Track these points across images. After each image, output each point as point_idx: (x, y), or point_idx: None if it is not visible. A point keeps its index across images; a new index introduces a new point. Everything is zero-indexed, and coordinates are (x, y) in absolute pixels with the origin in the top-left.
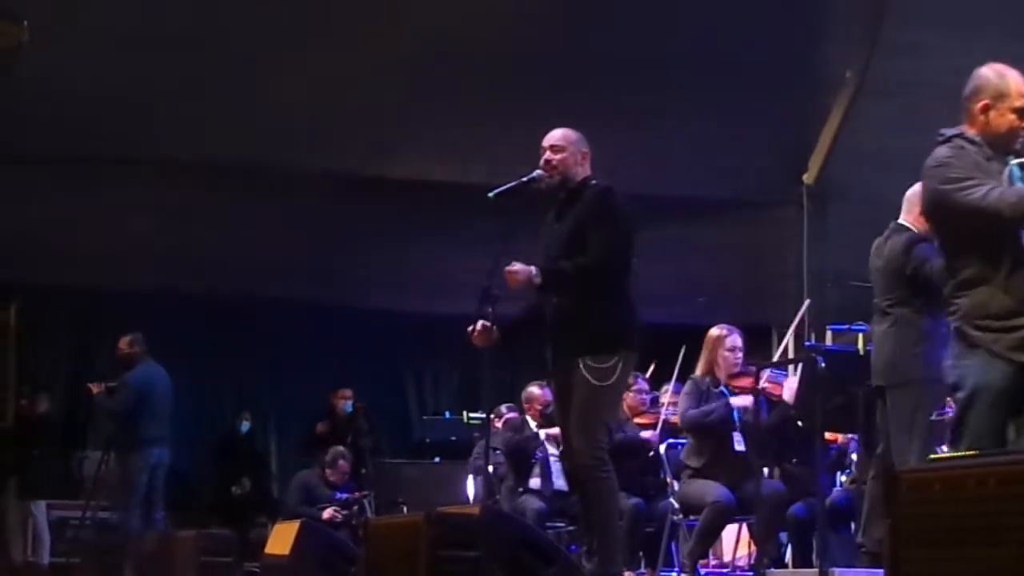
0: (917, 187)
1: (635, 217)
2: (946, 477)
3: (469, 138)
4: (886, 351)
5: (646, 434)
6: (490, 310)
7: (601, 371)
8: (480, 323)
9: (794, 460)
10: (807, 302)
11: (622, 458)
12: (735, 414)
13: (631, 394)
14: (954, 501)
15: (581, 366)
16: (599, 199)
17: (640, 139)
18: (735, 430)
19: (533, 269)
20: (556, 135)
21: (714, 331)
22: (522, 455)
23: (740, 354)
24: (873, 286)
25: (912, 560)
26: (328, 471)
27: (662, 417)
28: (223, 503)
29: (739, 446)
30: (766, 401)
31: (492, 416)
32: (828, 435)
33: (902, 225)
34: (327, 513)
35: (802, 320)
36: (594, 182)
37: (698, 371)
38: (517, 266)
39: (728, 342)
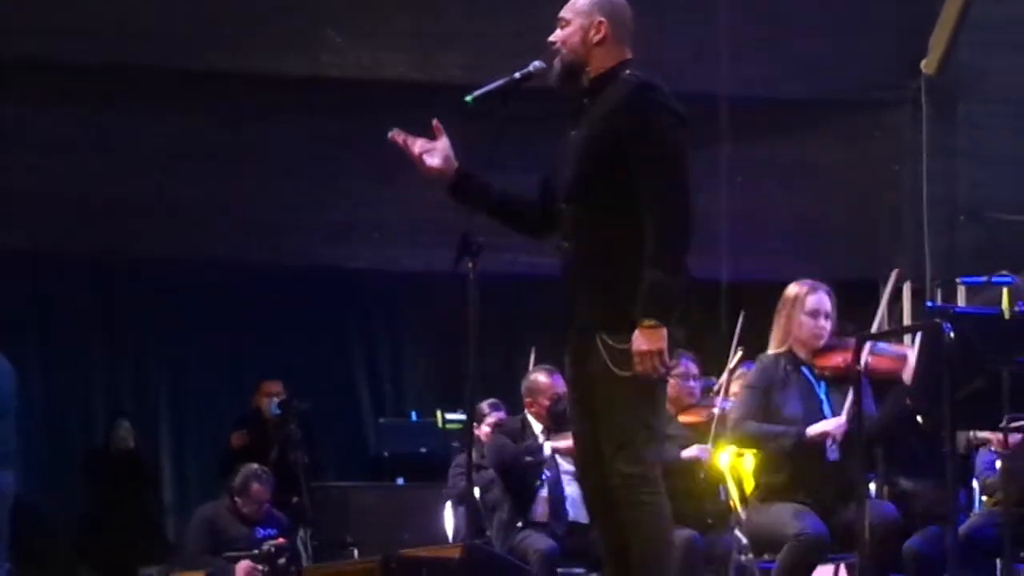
0: None
1: (690, 127)
2: None
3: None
4: None
5: (690, 452)
6: (471, 265)
7: (623, 354)
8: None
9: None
10: (895, 272)
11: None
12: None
13: (673, 381)
14: None
15: (599, 344)
16: (632, 97)
17: (688, 24)
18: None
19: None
20: (570, 3)
21: (791, 289)
22: (521, 473)
23: (826, 321)
24: None
25: None
26: (239, 500)
27: (716, 412)
28: (95, 544)
29: (833, 454)
30: (871, 386)
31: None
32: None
33: None
34: (242, 568)
35: (898, 286)
36: (628, 72)
37: (771, 347)
38: (642, 346)
39: (809, 303)
